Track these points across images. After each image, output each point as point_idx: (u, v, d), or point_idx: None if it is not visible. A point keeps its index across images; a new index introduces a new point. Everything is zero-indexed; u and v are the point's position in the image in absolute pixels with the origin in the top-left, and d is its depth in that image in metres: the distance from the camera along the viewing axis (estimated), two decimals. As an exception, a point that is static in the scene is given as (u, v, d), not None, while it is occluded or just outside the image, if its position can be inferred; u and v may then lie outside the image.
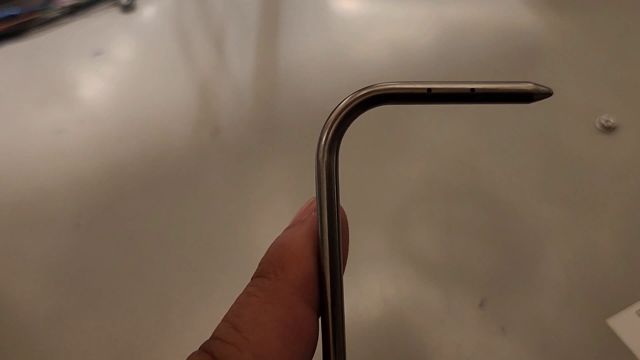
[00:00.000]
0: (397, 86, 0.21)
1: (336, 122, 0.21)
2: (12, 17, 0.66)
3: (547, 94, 0.21)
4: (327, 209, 0.22)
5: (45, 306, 0.49)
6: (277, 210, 0.52)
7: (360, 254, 0.50)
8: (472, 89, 0.21)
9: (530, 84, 0.21)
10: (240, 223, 0.52)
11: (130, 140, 0.58)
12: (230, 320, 0.20)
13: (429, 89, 0.21)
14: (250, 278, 0.22)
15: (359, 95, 0.21)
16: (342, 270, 0.22)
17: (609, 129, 0.55)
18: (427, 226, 0.52)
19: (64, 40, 0.67)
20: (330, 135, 0.21)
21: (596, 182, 0.54)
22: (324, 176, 0.22)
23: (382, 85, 0.21)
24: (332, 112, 0.21)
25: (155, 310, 0.48)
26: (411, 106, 0.62)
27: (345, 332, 0.22)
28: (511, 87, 0.21)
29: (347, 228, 0.24)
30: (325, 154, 0.21)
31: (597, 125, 0.55)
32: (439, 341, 0.45)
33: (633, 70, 0.62)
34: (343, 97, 0.21)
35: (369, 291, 0.48)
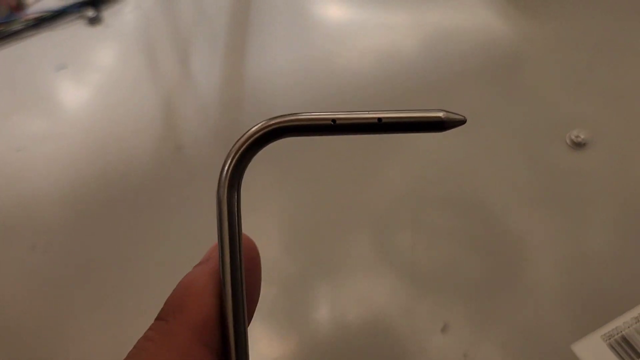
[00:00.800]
0: (301, 117, 0.20)
1: (236, 158, 0.20)
2: (-26, 30, 0.64)
3: (460, 121, 0.20)
4: (229, 247, 0.21)
5: (7, 325, 0.47)
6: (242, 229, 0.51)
7: (346, 259, 0.49)
8: (380, 119, 0.20)
9: (441, 112, 0.20)
10: (204, 239, 0.51)
11: (91, 158, 0.56)
12: None
13: (334, 120, 0.20)
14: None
15: (258, 128, 0.20)
16: (245, 311, 0.21)
17: (579, 145, 0.54)
18: (405, 235, 0.51)
19: (28, 54, 0.65)
20: (230, 171, 0.20)
21: (572, 196, 0.53)
22: (225, 213, 0.21)
23: (286, 117, 0.20)
24: (232, 147, 0.20)
25: (115, 335, 0.47)
26: (399, 103, 0.61)
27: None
28: (421, 116, 0.20)
29: (259, 265, 0.23)
30: (226, 191, 0.21)
31: (568, 142, 0.54)
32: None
33: (607, 81, 0.61)
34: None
35: (342, 300, 0.47)
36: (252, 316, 0.23)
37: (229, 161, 0.20)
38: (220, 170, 0.20)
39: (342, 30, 0.68)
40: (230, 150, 0.20)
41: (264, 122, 0.20)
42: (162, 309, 0.21)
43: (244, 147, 0.20)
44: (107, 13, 0.68)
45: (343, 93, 0.61)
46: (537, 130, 0.57)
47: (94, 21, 0.67)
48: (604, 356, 0.40)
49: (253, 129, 0.20)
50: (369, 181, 0.55)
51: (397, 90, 0.62)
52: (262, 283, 0.22)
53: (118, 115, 0.59)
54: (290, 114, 0.20)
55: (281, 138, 0.20)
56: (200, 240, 0.50)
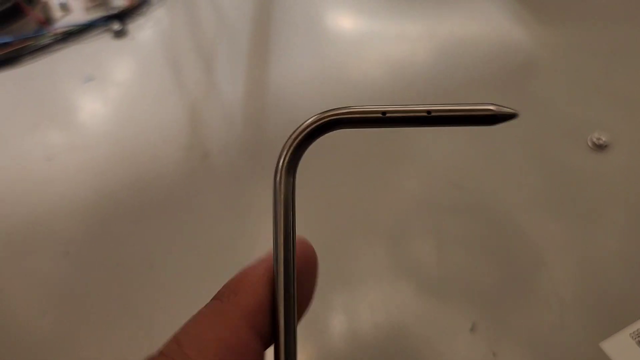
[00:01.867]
0: (353, 110, 0.21)
1: (293, 146, 0.21)
2: (5, 44, 0.66)
3: (511, 115, 0.21)
4: (284, 231, 0.22)
5: (36, 334, 0.48)
6: (268, 232, 0.52)
7: (359, 268, 0.50)
8: (429, 111, 0.21)
9: (492, 105, 0.21)
10: (232, 246, 0.52)
11: (120, 166, 0.57)
12: (176, 336, 0.21)
13: (384, 112, 0.21)
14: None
15: (314, 120, 0.21)
16: (295, 300, 0.22)
17: (600, 147, 0.54)
18: (423, 242, 0.51)
19: (57, 67, 0.67)
20: (287, 159, 0.21)
21: (590, 199, 0.53)
22: (282, 198, 0.22)
23: (339, 110, 0.21)
24: (289, 136, 0.21)
25: (144, 337, 0.47)
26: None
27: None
28: (471, 110, 0.21)
29: (314, 263, 0.24)
30: (283, 177, 0.21)
31: (589, 144, 0.55)
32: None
33: (624, 86, 0.62)
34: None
35: (360, 309, 0.47)
36: (304, 311, 0.24)
37: (286, 149, 0.21)
38: (276, 158, 0.21)
39: (357, 40, 0.70)
40: (287, 140, 0.21)
41: (319, 115, 0.21)
42: (219, 291, 0.23)
43: (301, 136, 0.21)
44: (132, 26, 0.70)
45: (359, 102, 0.62)
46: (555, 134, 0.58)
47: (119, 34, 0.69)
48: (634, 353, 0.41)
49: (309, 120, 0.21)
50: (385, 190, 0.56)
51: (412, 99, 0.63)
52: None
53: (145, 125, 0.60)
54: (344, 107, 0.21)
55: (334, 130, 0.21)
56: (227, 245, 0.51)
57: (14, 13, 0.66)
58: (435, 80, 0.65)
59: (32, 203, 0.56)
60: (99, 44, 0.69)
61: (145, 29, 0.69)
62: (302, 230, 0.52)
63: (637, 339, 0.42)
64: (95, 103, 0.63)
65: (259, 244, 0.50)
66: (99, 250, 0.52)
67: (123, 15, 0.70)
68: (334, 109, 0.21)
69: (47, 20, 0.70)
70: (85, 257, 0.52)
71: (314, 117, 0.21)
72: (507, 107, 0.21)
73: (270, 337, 0.22)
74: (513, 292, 0.49)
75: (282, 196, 0.21)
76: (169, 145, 0.58)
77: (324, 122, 0.21)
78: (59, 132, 0.61)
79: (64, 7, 0.71)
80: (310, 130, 0.21)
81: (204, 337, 0.21)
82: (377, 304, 0.48)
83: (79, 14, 0.71)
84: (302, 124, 0.21)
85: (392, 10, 0.73)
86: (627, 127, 0.57)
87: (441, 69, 0.66)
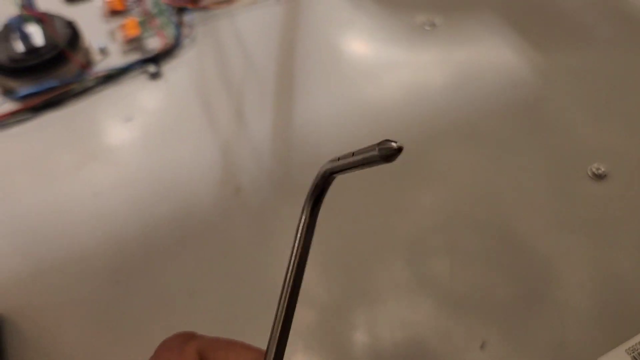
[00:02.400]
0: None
1: (312, 198, 0.28)
2: (52, 88, 0.72)
3: (397, 150, 0.20)
4: (300, 252, 0.29)
5: (87, 356, 0.54)
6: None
7: (379, 283, 0.55)
8: (332, 169, 0.25)
9: (376, 149, 0.21)
10: (264, 272, 0.57)
11: (160, 201, 0.63)
12: None
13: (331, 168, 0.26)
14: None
15: (318, 175, 0.27)
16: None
17: (599, 177, 0.59)
18: (440, 259, 0.57)
19: (98, 107, 0.73)
20: (309, 206, 0.28)
21: (598, 221, 0.59)
22: (305, 222, 0.28)
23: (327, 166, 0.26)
24: (318, 172, 0.27)
25: None
26: (430, 137, 0.67)
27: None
28: (363, 158, 0.22)
29: None
30: (310, 204, 0.28)
31: (589, 173, 0.60)
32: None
33: (624, 113, 0.67)
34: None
35: (387, 320, 0.52)
36: None
37: (314, 183, 0.27)
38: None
39: (374, 68, 0.75)
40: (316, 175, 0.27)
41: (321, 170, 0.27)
42: None
43: (315, 188, 0.27)
44: (166, 68, 0.76)
45: (378, 126, 0.68)
46: (560, 162, 0.63)
47: (155, 76, 0.75)
48: (628, 369, 0.45)
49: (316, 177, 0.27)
50: (402, 209, 0.61)
51: (428, 125, 0.68)
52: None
53: (182, 162, 0.66)
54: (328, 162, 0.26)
55: (334, 177, 0.26)
56: (260, 271, 0.57)
57: (60, 59, 0.72)
58: (447, 107, 0.71)
59: (83, 235, 0.62)
60: (136, 85, 0.75)
61: (178, 71, 0.75)
62: (322, 247, 0.58)
63: (632, 354, 0.47)
64: (135, 141, 0.69)
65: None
66: (145, 279, 0.58)
67: (157, 58, 0.76)
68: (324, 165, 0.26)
69: (88, 64, 0.76)
70: (133, 286, 0.58)
71: (318, 174, 0.27)
72: (392, 143, 0.21)
73: None
74: (524, 309, 0.54)
75: (306, 220, 0.28)
76: (204, 181, 0.64)
77: (324, 176, 0.26)
78: (103, 169, 0.67)
79: (103, 51, 0.77)
80: (317, 184, 0.27)
81: None
82: (396, 319, 0.53)
83: (116, 58, 0.77)
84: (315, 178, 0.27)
85: (406, 40, 0.78)
86: (628, 153, 0.63)
87: (452, 98, 0.72)
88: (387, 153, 0.20)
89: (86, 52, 0.77)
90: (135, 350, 0.54)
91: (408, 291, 0.55)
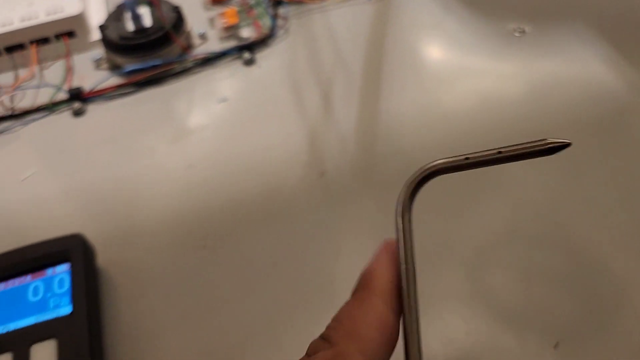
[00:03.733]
0: (442, 161, 0.30)
1: (406, 197, 0.31)
2: (155, 66, 0.78)
3: (565, 145, 0.29)
4: (404, 250, 0.32)
5: (170, 314, 0.59)
6: (371, 243, 0.60)
7: (436, 292, 0.57)
8: (499, 152, 0.29)
9: (544, 140, 0.29)
10: (340, 251, 0.61)
11: (248, 177, 0.68)
12: (332, 323, 0.31)
13: (467, 158, 0.29)
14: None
15: (417, 174, 0.31)
16: (415, 285, 0.32)
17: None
18: (506, 271, 0.58)
19: (195, 88, 0.78)
20: (402, 204, 0.31)
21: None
22: (402, 227, 0.32)
23: (432, 163, 0.30)
24: (402, 189, 0.31)
25: (264, 324, 0.57)
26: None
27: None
28: (531, 144, 0.29)
29: None
30: (403, 215, 0.32)
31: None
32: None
33: None
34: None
35: (440, 331, 0.54)
36: None
37: (401, 199, 0.31)
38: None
39: (451, 74, 0.77)
40: (400, 192, 0.32)
41: (419, 170, 0.31)
42: (356, 286, 0.33)
43: (410, 189, 0.31)
44: (260, 56, 0.81)
45: (451, 130, 0.69)
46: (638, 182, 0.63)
47: (249, 62, 0.80)
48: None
49: (413, 175, 0.31)
50: (463, 219, 0.62)
51: (502, 133, 0.69)
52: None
53: (270, 142, 0.71)
54: (434, 161, 0.31)
55: (434, 178, 0.31)
56: (336, 249, 0.60)
57: (164, 40, 0.78)
58: (524, 118, 0.71)
59: (176, 202, 0.67)
60: (231, 69, 0.80)
61: (271, 59, 0.80)
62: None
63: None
64: (228, 121, 0.74)
65: (361, 250, 0.59)
66: (231, 246, 0.62)
67: (252, 46, 0.81)
68: (427, 164, 0.30)
69: (189, 47, 0.81)
70: (220, 251, 0.62)
71: (415, 174, 0.30)
72: (559, 140, 0.28)
73: (399, 310, 0.31)
74: (593, 328, 0.54)
75: (402, 224, 0.32)
76: (291, 163, 0.68)
77: (424, 175, 0.30)
78: (197, 144, 0.72)
79: (203, 37, 0.83)
80: (416, 183, 0.31)
81: (355, 319, 0.30)
82: (453, 331, 0.54)
83: (214, 43, 0.82)
84: (408, 180, 0.31)
85: (492, 46, 0.80)
86: None
87: (531, 107, 0.72)
88: (553, 147, 0.27)
89: (188, 36, 0.82)
90: (217, 305, 0.58)
91: (466, 303, 0.56)
